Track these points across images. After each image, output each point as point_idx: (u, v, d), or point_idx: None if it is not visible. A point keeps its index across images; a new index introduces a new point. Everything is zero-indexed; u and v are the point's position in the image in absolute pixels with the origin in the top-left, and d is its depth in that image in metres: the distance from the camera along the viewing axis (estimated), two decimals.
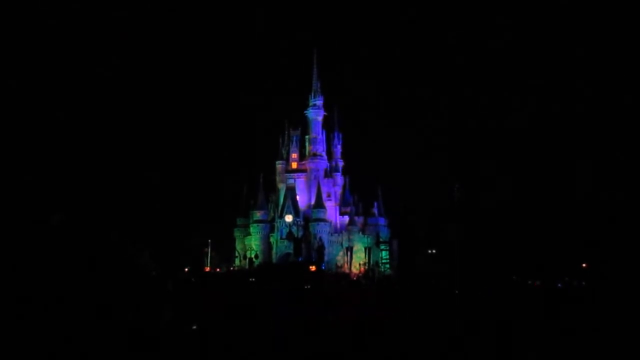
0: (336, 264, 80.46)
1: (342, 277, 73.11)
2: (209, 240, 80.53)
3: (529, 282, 51.30)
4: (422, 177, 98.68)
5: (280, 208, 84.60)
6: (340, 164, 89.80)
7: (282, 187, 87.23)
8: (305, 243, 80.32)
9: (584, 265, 53.83)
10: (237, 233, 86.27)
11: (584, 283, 49.65)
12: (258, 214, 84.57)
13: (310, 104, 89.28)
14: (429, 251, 68.76)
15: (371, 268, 78.63)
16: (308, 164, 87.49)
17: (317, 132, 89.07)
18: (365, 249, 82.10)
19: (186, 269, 74.76)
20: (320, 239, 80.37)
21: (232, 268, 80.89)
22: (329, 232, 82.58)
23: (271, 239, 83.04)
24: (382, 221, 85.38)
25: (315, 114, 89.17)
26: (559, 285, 49.05)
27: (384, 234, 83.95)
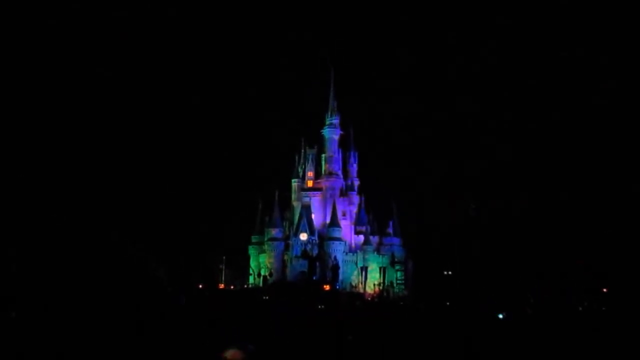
0: (350, 283, 79.86)
1: (356, 297, 72.48)
2: (224, 257, 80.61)
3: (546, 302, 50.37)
4: (438, 197, 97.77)
5: (295, 226, 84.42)
6: (356, 182, 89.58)
7: (297, 205, 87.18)
8: (320, 262, 79.88)
9: (604, 290, 52.79)
10: (251, 250, 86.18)
11: (603, 308, 48.66)
12: (273, 232, 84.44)
13: (327, 122, 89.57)
14: (445, 272, 67.98)
15: (386, 288, 77.86)
16: (324, 183, 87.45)
17: (333, 150, 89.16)
18: (380, 268, 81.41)
19: (200, 285, 74.79)
20: (335, 258, 79.91)
21: (245, 285, 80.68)
22: (343, 252, 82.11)
23: (285, 257, 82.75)
24: (397, 241, 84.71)
25: (332, 133, 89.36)
26: (580, 309, 48.05)
27: (399, 254, 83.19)
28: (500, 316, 43.67)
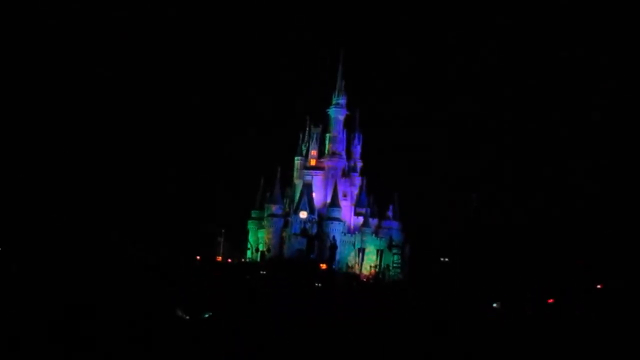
0: (347, 264, 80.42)
1: (352, 278, 73.15)
2: (223, 231, 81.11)
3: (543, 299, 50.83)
4: (440, 184, 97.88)
5: (295, 204, 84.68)
6: (359, 164, 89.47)
7: (298, 183, 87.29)
8: (318, 241, 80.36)
9: (598, 286, 53.23)
10: (250, 225, 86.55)
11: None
12: (273, 208, 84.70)
13: (333, 102, 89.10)
14: (442, 259, 68.40)
15: (382, 271, 78.48)
16: (326, 162, 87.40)
17: (338, 130, 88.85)
18: (377, 251, 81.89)
19: (198, 257, 75.45)
20: (334, 237, 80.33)
21: (243, 260, 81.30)
22: (342, 232, 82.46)
23: (284, 234, 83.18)
24: (396, 225, 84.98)
25: (338, 113, 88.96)
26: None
27: (397, 238, 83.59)
28: (495, 305, 44.17)
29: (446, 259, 68.66)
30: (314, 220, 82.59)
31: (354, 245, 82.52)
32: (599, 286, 53.65)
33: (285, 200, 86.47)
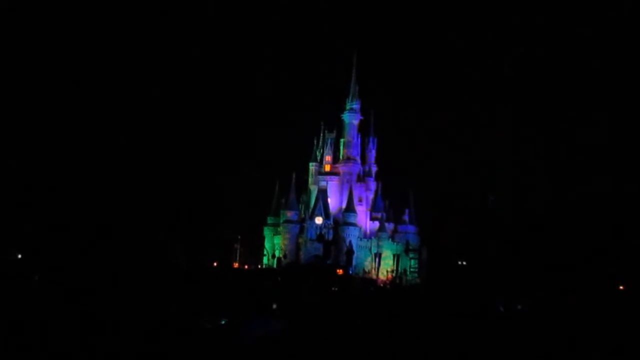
0: (364, 269, 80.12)
1: (369, 283, 72.77)
2: (239, 237, 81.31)
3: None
4: (456, 187, 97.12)
5: (311, 209, 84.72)
6: (374, 169, 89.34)
7: (313, 189, 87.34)
8: (334, 246, 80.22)
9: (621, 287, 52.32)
10: (266, 231, 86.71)
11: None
12: (288, 214, 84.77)
13: (347, 107, 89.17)
14: (460, 262, 67.79)
15: (399, 276, 78.01)
16: (341, 167, 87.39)
17: (352, 135, 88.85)
18: (393, 255, 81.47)
19: (215, 263, 75.67)
20: (350, 243, 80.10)
21: (259, 266, 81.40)
22: (358, 237, 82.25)
23: (300, 240, 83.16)
24: (412, 229, 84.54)
25: (352, 118, 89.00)
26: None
27: (414, 242, 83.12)
28: (519, 307, 43.56)
29: (464, 262, 68.03)
30: (329, 225, 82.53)
31: (370, 250, 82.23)
32: (621, 287, 52.79)
33: (300, 206, 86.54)
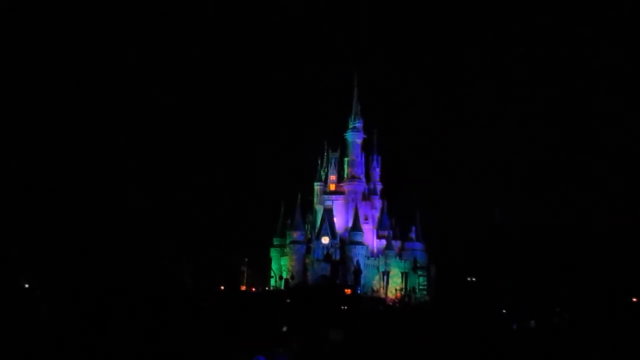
0: (372, 288, 79.48)
1: (378, 302, 72.09)
2: (246, 259, 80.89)
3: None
4: (462, 202, 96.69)
5: (317, 229, 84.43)
6: (379, 187, 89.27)
7: (319, 209, 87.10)
8: (342, 266, 79.69)
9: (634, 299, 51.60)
10: (273, 253, 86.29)
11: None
12: (294, 235, 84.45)
13: (350, 126, 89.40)
14: (469, 279, 67.17)
15: (407, 294, 77.32)
16: (346, 186, 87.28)
17: (356, 154, 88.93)
18: (401, 273, 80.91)
19: (222, 287, 75.19)
20: (357, 262, 79.60)
21: (267, 288, 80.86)
22: (365, 256, 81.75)
23: (307, 260, 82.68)
24: (419, 246, 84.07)
25: (355, 136, 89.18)
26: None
27: (422, 259, 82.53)
28: (532, 323, 42.85)
29: (473, 279, 67.39)
30: (336, 245, 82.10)
31: (378, 268, 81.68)
32: (634, 299, 52.07)
33: (306, 226, 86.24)
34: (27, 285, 65.47)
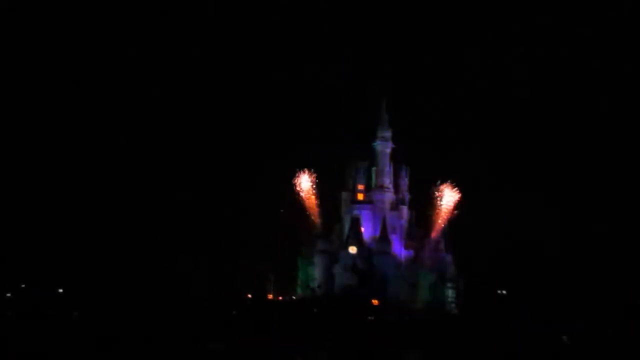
0: (399, 299, 78.48)
1: (405, 314, 71.34)
2: (272, 268, 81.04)
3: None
4: (492, 214, 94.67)
5: (344, 239, 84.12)
6: (407, 197, 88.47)
7: (346, 218, 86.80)
8: (369, 276, 79.11)
9: None
10: (300, 261, 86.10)
11: None
12: (322, 244, 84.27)
13: (379, 135, 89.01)
14: (499, 292, 65.95)
15: (435, 306, 76.25)
16: (374, 196, 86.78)
17: (384, 164, 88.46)
18: (429, 285, 79.92)
19: (249, 295, 75.60)
20: (384, 272, 78.94)
21: (293, 297, 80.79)
22: (393, 266, 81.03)
23: (334, 270, 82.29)
24: (448, 258, 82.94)
25: (383, 146, 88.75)
26: None
27: (450, 271, 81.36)
28: (564, 338, 41.83)
29: (503, 292, 66.15)
30: (363, 255, 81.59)
31: (405, 279, 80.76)
32: None
33: (333, 236, 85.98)
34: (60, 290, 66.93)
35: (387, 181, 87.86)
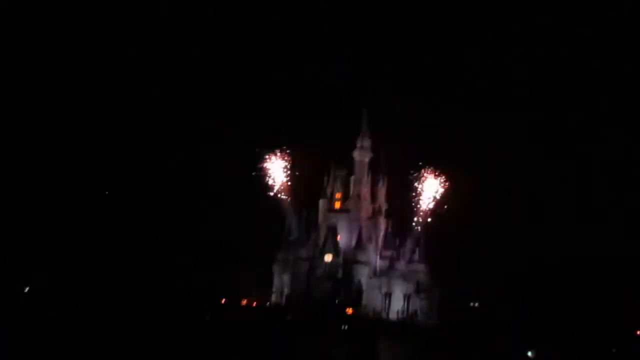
0: (374, 308, 78.75)
1: (379, 323, 71.72)
2: (248, 273, 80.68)
3: None
4: (467, 226, 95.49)
5: (320, 247, 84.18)
6: (384, 207, 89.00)
7: (323, 226, 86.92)
8: (344, 284, 79.28)
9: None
10: (276, 268, 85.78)
11: None
12: (298, 251, 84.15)
13: (358, 145, 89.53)
14: (472, 304, 66.70)
15: (410, 316, 76.73)
16: (351, 205, 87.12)
17: (362, 173, 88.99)
18: (404, 295, 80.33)
19: (223, 300, 75.13)
20: (359, 281, 79.20)
21: (268, 303, 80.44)
22: (368, 275, 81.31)
23: (309, 278, 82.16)
24: (423, 268, 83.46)
25: (362, 156, 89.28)
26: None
27: (425, 282, 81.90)
28: (530, 354, 42.49)
29: (476, 304, 66.89)
30: (339, 263, 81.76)
31: (380, 289, 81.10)
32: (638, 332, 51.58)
33: (310, 243, 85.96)
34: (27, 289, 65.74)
35: (365, 190, 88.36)
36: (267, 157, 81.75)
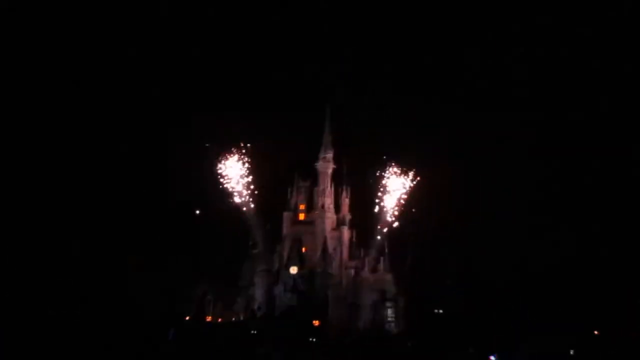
0: (340, 319, 78.67)
1: (346, 333, 71.71)
2: (211, 289, 79.49)
3: None
4: (432, 234, 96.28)
5: (285, 259, 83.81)
6: (348, 217, 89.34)
7: (288, 238, 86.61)
8: (310, 296, 79.03)
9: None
10: (241, 282, 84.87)
11: None
12: (262, 264, 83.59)
13: (321, 156, 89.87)
14: (435, 311, 67.42)
15: (376, 325, 76.97)
16: (315, 217, 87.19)
17: (325, 184, 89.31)
18: (370, 305, 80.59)
19: (187, 317, 73.71)
20: (325, 293, 79.07)
21: (233, 318, 79.45)
22: (334, 287, 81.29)
23: (275, 291, 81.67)
24: (388, 277, 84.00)
25: (325, 167, 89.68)
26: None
27: (390, 291, 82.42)
28: (492, 358, 43.19)
29: (440, 311, 67.62)
30: (304, 275, 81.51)
31: (346, 299, 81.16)
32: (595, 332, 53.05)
33: (275, 256, 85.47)
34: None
35: (329, 201, 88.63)
36: (223, 156, 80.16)
